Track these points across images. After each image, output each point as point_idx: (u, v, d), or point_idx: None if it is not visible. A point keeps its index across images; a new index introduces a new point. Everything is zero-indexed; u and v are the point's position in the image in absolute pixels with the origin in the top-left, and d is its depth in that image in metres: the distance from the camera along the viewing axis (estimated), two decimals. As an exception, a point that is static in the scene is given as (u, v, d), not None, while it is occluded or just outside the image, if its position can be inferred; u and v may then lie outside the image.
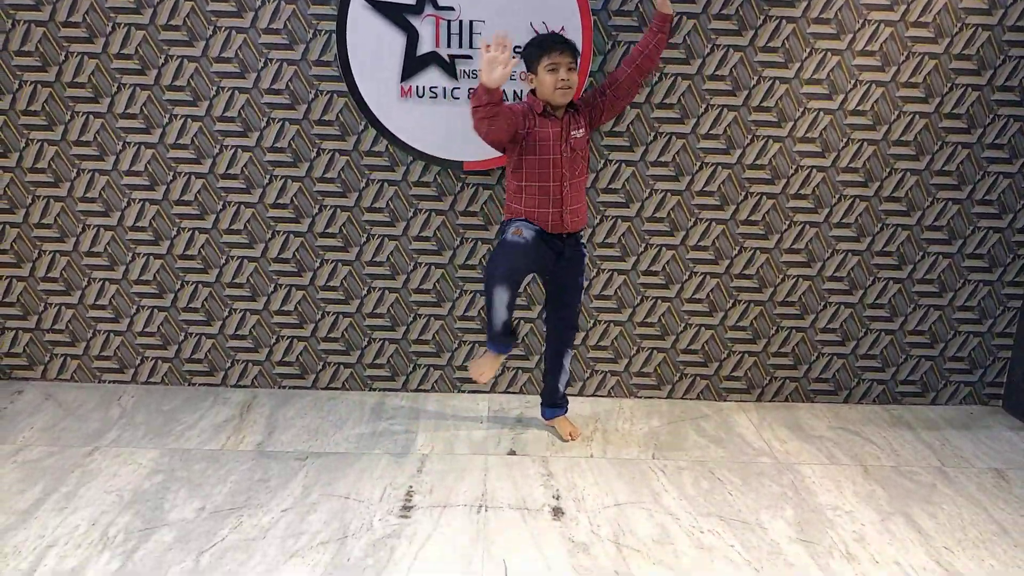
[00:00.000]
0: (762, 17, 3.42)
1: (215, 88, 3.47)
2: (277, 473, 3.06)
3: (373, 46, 3.38)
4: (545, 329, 3.45)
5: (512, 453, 3.29)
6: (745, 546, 2.72)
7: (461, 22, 3.37)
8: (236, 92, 3.48)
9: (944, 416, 3.80)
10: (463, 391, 3.87)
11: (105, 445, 3.24)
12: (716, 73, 3.48)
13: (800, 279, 3.75)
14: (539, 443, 3.38)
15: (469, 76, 3.42)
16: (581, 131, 3.09)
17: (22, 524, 2.69)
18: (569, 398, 3.54)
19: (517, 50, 3.26)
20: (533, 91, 3.06)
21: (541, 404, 3.52)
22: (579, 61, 3.11)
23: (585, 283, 3.43)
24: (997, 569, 2.64)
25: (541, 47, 2.99)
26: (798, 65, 3.48)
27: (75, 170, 3.55)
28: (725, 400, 3.89)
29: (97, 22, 3.39)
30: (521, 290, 3.61)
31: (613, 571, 2.55)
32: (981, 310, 3.81)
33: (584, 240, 3.42)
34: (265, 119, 3.51)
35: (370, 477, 3.06)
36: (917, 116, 3.55)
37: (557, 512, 2.87)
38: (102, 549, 2.57)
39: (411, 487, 3.00)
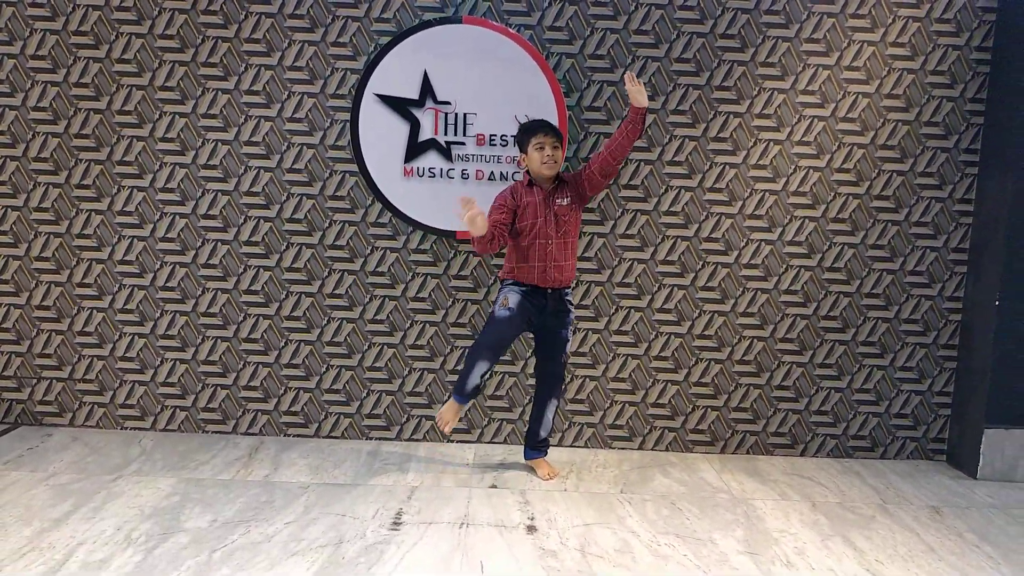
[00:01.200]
0: (713, 112, 4.04)
1: (243, 167, 4.05)
2: (281, 497, 3.42)
3: (381, 133, 3.98)
4: (534, 379, 3.89)
5: (493, 487, 3.65)
6: (697, 556, 3.05)
7: (456, 114, 3.98)
8: (261, 171, 4.05)
9: (891, 468, 4.15)
10: (451, 441, 4.24)
11: (127, 474, 3.60)
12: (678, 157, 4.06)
13: (755, 340, 4.20)
14: (519, 480, 3.74)
15: (462, 159, 3.99)
16: (567, 200, 3.59)
17: (55, 528, 3.04)
18: (550, 447, 3.92)
19: (504, 138, 3.85)
20: (528, 172, 3.64)
21: (524, 446, 3.90)
22: (563, 141, 3.69)
23: (570, 337, 3.77)
24: (913, 572, 2.96)
25: (530, 131, 3.57)
26: (745, 153, 4.06)
27: (117, 236, 4.08)
28: (691, 451, 4.26)
29: (147, 111, 4.00)
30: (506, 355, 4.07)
31: (577, 571, 2.88)
32: (920, 370, 4.23)
33: (571, 299, 3.78)
34: (285, 194, 4.07)
35: (364, 501, 3.41)
36: (850, 197, 4.10)
37: (531, 529, 3.22)
38: (126, 547, 2.91)
39: (401, 509, 3.35)
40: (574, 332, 3.96)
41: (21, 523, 3.07)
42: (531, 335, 3.89)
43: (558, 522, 3.29)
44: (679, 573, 2.90)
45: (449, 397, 3.68)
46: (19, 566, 2.74)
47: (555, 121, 3.93)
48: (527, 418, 4.13)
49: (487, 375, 3.61)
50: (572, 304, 3.74)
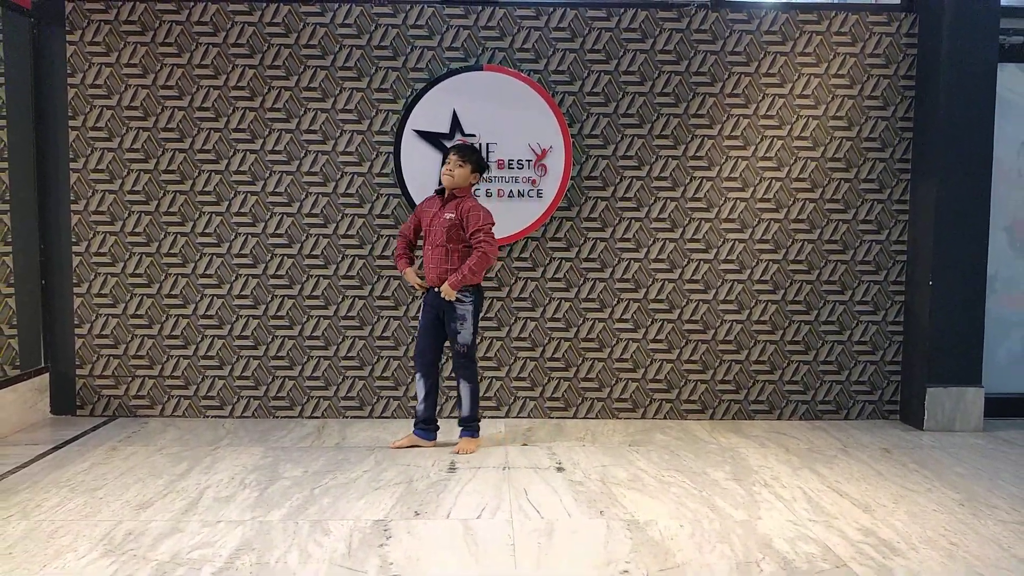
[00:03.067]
0: (690, 135, 4.92)
1: (304, 192, 4.88)
2: (354, 456, 4.20)
3: (419, 162, 4.82)
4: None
5: (525, 444, 4.44)
6: (693, 482, 3.85)
7: (480, 144, 4.84)
8: (320, 195, 4.89)
9: (853, 425, 4.97)
10: (484, 416, 5.02)
11: (223, 446, 4.37)
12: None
13: (734, 323, 5.03)
14: (545, 440, 4.53)
15: (486, 180, 4.84)
16: (452, 215, 4.14)
17: (181, 479, 3.81)
18: (550, 421, 4.71)
19: (520, 162, 4.73)
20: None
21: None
22: (466, 161, 4.16)
23: (460, 329, 4.21)
24: (868, 490, 3.77)
25: (447, 151, 4.32)
26: (718, 168, 4.94)
27: (198, 253, 4.89)
28: (685, 418, 5.06)
29: (223, 149, 4.84)
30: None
31: (599, 493, 3.67)
32: (873, 343, 5.08)
33: (459, 298, 4.18)
34: (340, 214, 4.90)
35: (422, 457, 4.19)
36: (807, 201, 4.98)
37: (560, 468, 4.01)
38: (242, 489, 3.68)
39: (453, 460, 4.13)
40: (465, 326, 4.23)
41: (153, 477, 3.84)
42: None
43: (581, 464, 4.08)
44: (680, 492, 3.70)
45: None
46: (166, 502, 3.51)
47: (561, 147, 4.79)
48: (547, 395, 4.95)
49: (427, 393, 4.28)
50: (460, 302, 4.18)
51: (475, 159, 4.25)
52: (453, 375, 4.45)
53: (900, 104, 4.96)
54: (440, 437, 4.41)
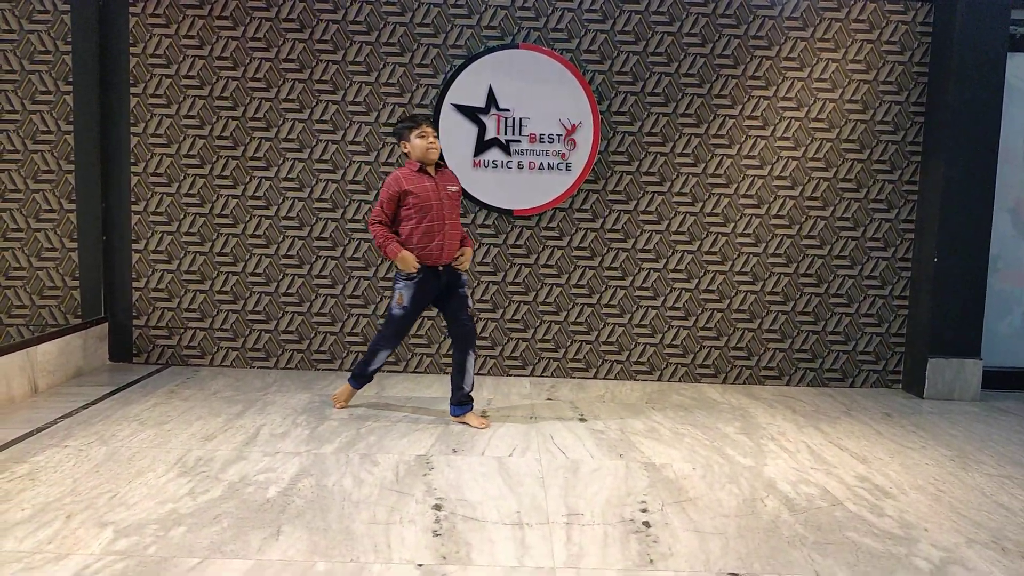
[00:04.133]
0: (712, 115, 5.21)
1: (348, 160, 5.22)
2: (393, 403, 4.56)
3: (456, 134, 5.14)
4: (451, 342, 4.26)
5: (549, 399, 4.79)
6: (705, 434, 4.19)
7: (514, 118, 5.14)
8: (362, 164, 5.22)
9: (858, 392, 5.29)
10: (510, 375, 5.38)
11: (272, 392, 4.75)
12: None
13: (748, 293, 5.35)
14: (568, 395, 4.88)
15: (519, 153, 5.15)
16: (455, 187, 4.16)
17: (238, 418, 4.19)
18: (572, 380, 5.05)
19: (551, 136, 5.03)
20: (406, 155, 4.10)
21: (450, 404, 4.24)
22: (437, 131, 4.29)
23: (468, 292, 4.20)
24: (867, 445, 4.09)
25: (414, 121, 4.06)
26: (738, 146, 5.23)
27: (248, 215, 5.25)
28: (699, 382, 5.40)
29: (273, 118, 5.18)
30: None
31: (619, 440, 4.02)
32: (879, 316, 5.37)
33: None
34: (380, 182, 5.23)
35: (456, 406, 4.55)
36: (821, 180, 5.26)
37: (582, 419, 4.36)
38: (295, 427, 4.05)
39: (484, 410, 4.49)
40: (469, 288, 4.42)
41: (211, 416, 4.22)
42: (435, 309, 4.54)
43: (602, 417, 4.43)
44: (693, 442, 4.04)
45: (348, 381, 4.39)
46: (227, 435, 3.89)
47: (590, 123, 5.09)
48: (570, 356, 5.30)
49: (384, 362, 4.29)
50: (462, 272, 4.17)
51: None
52: (455, 354, 4.19)
53: (914, 89, 5.22)
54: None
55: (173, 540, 2.73)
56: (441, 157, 4.26)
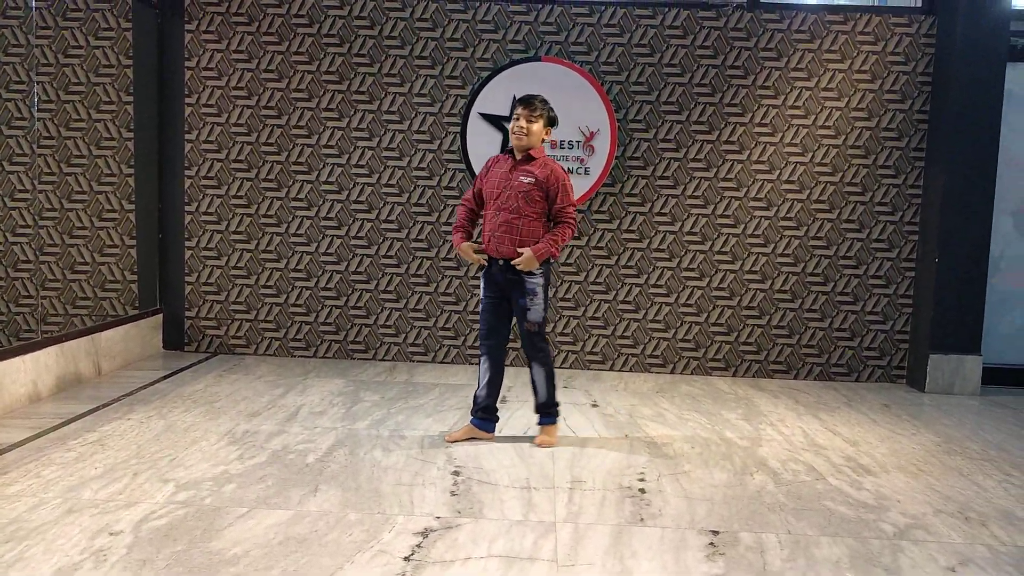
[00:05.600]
0: (724, 122, 5.53)
1: (383, 165, 5.64)
2: (421, 388, 4.96)
3: (482, 141, 5.53)
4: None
5: (565, 387, 5.14)
6: (709, 420, 4.51)
7: (536, 125, 5.51)
8: (396, 168, 5.64)
9: (862, 386, 5.55)
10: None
11: (311, 377, 5.18)
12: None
13: (757, 291, 5.65)
14: (582, 384, 5.23)
15: (540, 158, 5.51)
16: (531, 179, 3.65)
17: (280, 399, 4.61)
18: (589, 371, 5.39)
19: (571, 143, 5.40)
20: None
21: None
22: (538, 115, 3.68)
23: (530, 306, 3.73)
24: (860, 432, 4.38)
25: (513, 104, 4.09)
26: (748, 152, 5.55)
27: (292, 215, 5.69)
28: (710, 375, 5.71)
29: (314, 126, 5.62)
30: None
31: (627, 423, 4.36)
32: (884, 314, 5.64)
33: (530, 271, 3.73)
34: (412, 185, 5.64)
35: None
36: (828, 184, 5.55)
37: (594, 405, 4.71)
38: (331, 407, 4.47)
39: (504, 395, 4.85)
40: (536, 302, 3.77)
41: (256, 396, 4.65)
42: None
43: (613, 403, 4.78)
44: (696, 426, 4.37)
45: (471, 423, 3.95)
46: (270, 413, 4.31)
47: (607, 131, 5.45)
48: (587, 349, 5.65)
49: (490, 378, 3.85)
50: (531, 275, 3.72)
51: (547, 110, 3.73)
52: (525, 359, 3.94)
53: (917, 98, 5.49)
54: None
55: (225, 494, 3.15)
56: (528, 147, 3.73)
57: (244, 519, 2.91)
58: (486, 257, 3.81)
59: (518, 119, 3.66)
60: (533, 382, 3.91)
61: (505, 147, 5.34)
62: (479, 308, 3.92)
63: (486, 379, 3.89)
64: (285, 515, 2.96)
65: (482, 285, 3.89)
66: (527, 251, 3.66)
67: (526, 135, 3.65)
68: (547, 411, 3.92)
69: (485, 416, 3.93)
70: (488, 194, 3.78)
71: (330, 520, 2.93)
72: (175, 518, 2.90)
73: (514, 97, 3.68)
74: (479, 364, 3.92)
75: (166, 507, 2.99)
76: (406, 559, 2.64)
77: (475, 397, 3.95)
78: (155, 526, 2.82)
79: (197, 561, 2.57)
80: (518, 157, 3.73)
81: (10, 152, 5.62)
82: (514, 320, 3.90)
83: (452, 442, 3.85)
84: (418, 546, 2.74)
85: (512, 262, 3.70)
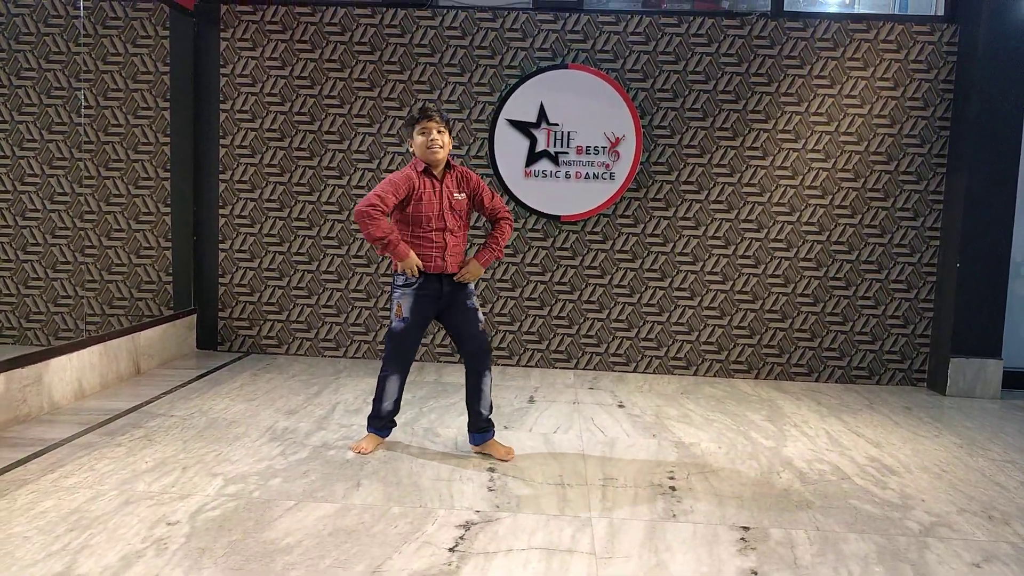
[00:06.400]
0: (747, 128, 5.63)
1: (412, 170, 5.76)
2: (451, 388, 5.08)
3: (510, 147, 5.65)
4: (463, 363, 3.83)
5: (591, 388, 5.25)
6: (733, 420, 4.61)
7: (563, 132, 5.63)
8: (425, 172, 5.76)
9: (883, 389, 5.63)
10: (556, 368, 5.85)
11: (343, 377, 5.31)
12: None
13: (780, 295, 5.74)
14: (609, 385, 5.34)
15: (566, 164, 5.64)
16: (463, 195, 3.65)
17: (316, 396, 4.75)
18: (613, 373, 5.50)
19: (596, 149, 5.50)
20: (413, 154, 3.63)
21: (468, 431, 3.80)
22: (447, 125, 3.61)
23: (477, 305, 3.77)
24: (883, 433, 4.47)
25: (412, 120, 3.58)
26: (771, 158, 5.64)
27: (323, 219, 5.83)
28: (733, 377, 5.80)
29: (345, 131, 5.75)
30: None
31: (653, 423, 4.47)
32: (905, 318, 5.71)
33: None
34: (441, 189, 5.76)
35: (506, 392, 5.04)
36: (850, 190, 5.63)
37: (621, 406, 4.82)
38: (366, 405, 4.58)
39: (532, 395, 4.98)
40: (479, 302, 3.92)
41: (293, 394, 4.79)
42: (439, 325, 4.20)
43: (639, 404, 4.88)
44: (721, 427, 4.46)
45: (368, 430, 3.83)
46: (307, 410, 4.44)
47: (632, 136, 5.56)
48: (611, 351, 5.76)
49: (399, 393, 3.78)
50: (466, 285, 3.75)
51: (443, 119, 3.63)
52: (468, 376, 3.80)
53: (939, 105, 5.56)
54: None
55: (272, 487, 3.28)
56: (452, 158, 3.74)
57: (293, 511, 3.04)
58: (416, 283, 3.62)
59: (429, 132, 3.52)
60: (480, 392, 3.73)
61: (533, 151, 5.47)
62: (394, 328, 3.70)
63: (396, 396, 3.79)
64: (332, 508, 3.09)
65: (410, 308, 3.64)
66: (473, 262, 3.68)
67: (441, 147, 3.55)
68: (490, 423, 3.79)
69: (390, 425, 3.87)
70: (426, 217, 3.57)
71: (375, 513, 3.05)
72: (227, 510, 3.03)
73: (422, 109, 3.58)
74: (387, 384, 3.75)
75: (217, 499, 3.12)
76: (451, 550, 2.76)
77: (380, 411, 3.77)
78: (209, 517, 2.95)
79: (253, 550, 2.70)
80: (435, 173, 3.61)
81: (51, 156, 5.79)
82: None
83: (360, 452, 3.73)
84: (461, 538, 2.86)
85: (459, 276, 3.67)
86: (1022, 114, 5.34)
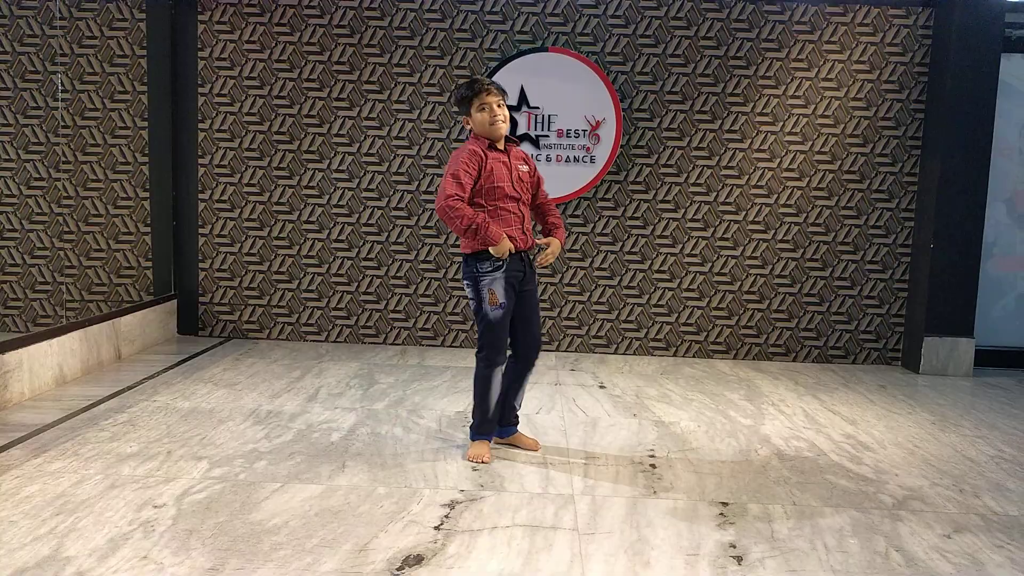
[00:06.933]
0: (726, 111, 5.67)
1: (392, 153, 5.76)
2: (433, 371, 5.11)
3: (490, 129, 5.65)
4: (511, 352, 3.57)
5: (573, 369, 5.31)
6: (712, 399, 4.68)
7: (543, 115, 5.65)
8: (405, 157, 5.76)
9: (859, 368, 5.74)
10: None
11: (325, 361, 5.32)
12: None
13: (758, 276, 5.81)
14: (589, 367, 5.39)
15: (547, 147, 5.66)
16: (527, 167, 3.49)
17: (298, 381, 4.76)
18: (594, 355, 5.56)
19: (576, 132, 5.53)
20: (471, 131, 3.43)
21: (499, 426, 3.59)
22: (507, 97, 3.46)
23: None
24: (858, 411, 4.56)
25: (471, 92, 3.34)
26: (749, 140, 5.70)
27: (303, 203, 5.82)
28: (711, 358, 5.88)
29: (325, 114, 5.74)
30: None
31: (634, 403, 4.53)
32: (880, 298, 5.81)
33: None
34: (421, 173, 5.77)
35: (489, 374, 5.08)
36: (827, 172, 5.71)
37: (602, 386, 4.88)
38: (348, 389, 4.62)
39: (515, 377, 5.02)
40: None
41: (275, 378, 4.80)
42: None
43: (619, 384, 4.95)
44: (700, 406, 4.54)
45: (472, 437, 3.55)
46: (290, 395, 4.46)
47: (613, 119, 5.59)
48: (592, 333, 5.81)
49: (501, 387, 3.50)
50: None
51: (499, 89, 3.45)
52: (517, 369, 3.61)
53: (914, 88, 5.64)
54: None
55: (258, 470, 3.30)
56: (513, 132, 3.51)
57: (279, 493, 3.07)
58: (502, 264, 3.36)
59: (490, 107, 3.31)
60: (523, 386, 3.61)
61: (514, 134, 5.49)
62: (492, 318, 3.39)
63: (499, 396, 3.51)
64: (317, 489, 3.12)
65: (504, 292, 3.37)
66: (555, 242, 3.50)
67: (504, 121, 3.36)
68: (518, 417, 3.68)
69: (490, 427, 3.57)
70: (499, 189, 3.35)
71: (360, 493, 3.09)
72: (213, 492, 3.05)
73: (475, 83, 3.36)
74: (492, 379, 3.46)
75: (203, 482, 3.14)
76: (436, 528, 2.81)
77: (487, 414, 3.49)
78: (196, 499, 2.97)
79: (240, 531, 2.73)
80: (500, 147, 3.41)
81: (26, 141, 5.72)
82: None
83: (480, 460, 3.46)
84: (446, 516, 2.91)
85: (543, 257, 3.48)
86: (995, 97, 5.43)
